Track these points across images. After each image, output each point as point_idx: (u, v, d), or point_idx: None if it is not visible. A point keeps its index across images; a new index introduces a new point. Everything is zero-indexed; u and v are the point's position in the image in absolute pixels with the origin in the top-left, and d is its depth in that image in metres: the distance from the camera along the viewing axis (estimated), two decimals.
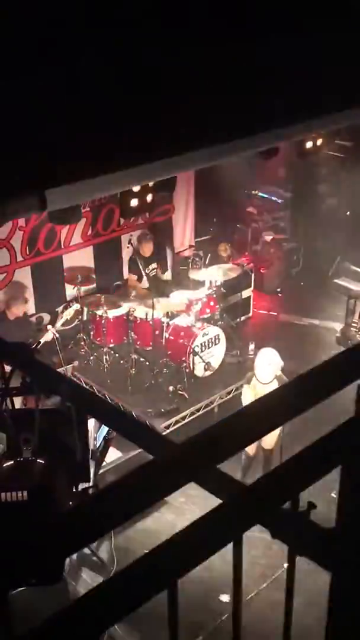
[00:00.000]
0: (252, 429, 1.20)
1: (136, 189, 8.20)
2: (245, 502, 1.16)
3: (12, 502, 2.54)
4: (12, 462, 2.72)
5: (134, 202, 8.82)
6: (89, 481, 2.95)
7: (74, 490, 2.90)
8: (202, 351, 9.13)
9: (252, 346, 9.53)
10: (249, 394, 7.24)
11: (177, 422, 8.72)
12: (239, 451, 1.23)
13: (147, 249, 10.03)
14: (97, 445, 7.12)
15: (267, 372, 7.05)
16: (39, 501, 2.59)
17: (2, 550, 1.00)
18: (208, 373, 9.29)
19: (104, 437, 6.98)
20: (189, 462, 1.13)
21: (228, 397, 9.15)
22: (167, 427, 8.61)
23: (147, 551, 1.03)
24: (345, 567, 1.37)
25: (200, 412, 9.00)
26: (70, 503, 2.78)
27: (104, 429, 7.08)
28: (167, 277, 10.07)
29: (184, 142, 3.70)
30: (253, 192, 12.27)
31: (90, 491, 2.98)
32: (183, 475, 1.11)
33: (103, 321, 9.20)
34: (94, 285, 10.20)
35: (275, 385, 7.11)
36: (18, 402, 3.14)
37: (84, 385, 9.23)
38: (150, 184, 7.87)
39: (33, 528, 2.42)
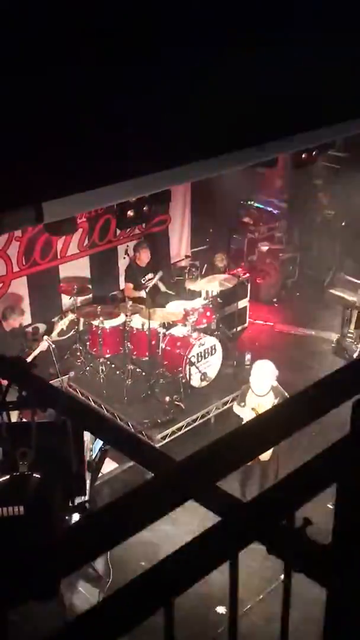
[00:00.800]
0: (252, 446, 1.21)
1: (133, 199, 8.27)
2: (243, 519, 1.15)
3: (8, 516, 2.55)
4: (7, 476, 2.71)
5: (131, 213, 8.81)
6: (85, 494, 2.94)
7: (70, 504, 2.90)
8: (198, 361, 9.11)
9: (248, 356, 9.53)
10: (246, 410, 7.24)
11: (173, 432, 8.67)
12: (237, 468, 1.22)
13: (144, 259, 10.01)
14: (93, 456, 7.06)
15: (263, 384, 7.07)
16: (36, 516, 2.60)
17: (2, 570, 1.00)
18: (204, 383, 9.26)
19: (100, 449, 6.96)
20: (187, 479, 1.13)
21: (224, 407, 9.11)
22: (164, 438, 8.55)
23: (143, 563, 1.03)
24: (341, 584, 1.37)
25: (197, 423, 8.95)
26: (66, 517, 2.78)
27: (100, 440, 7.00)
28: (164, 289, 10.07)
29: (183, 154, 3.71)
30: (249, 202, 12.29)
31: (87, 505, 2.95)
32: (181, 493, 1.12)
33: (99, 331, 9.18)
34: (90, 295, 10.18)
35: (271, 396, 7.05)
36: (14, 416, 3.15)
37: (80, 395, 9.18)
38: (147, 195, 7.84)
39: (31, 546, 2.37)
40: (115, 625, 1.03)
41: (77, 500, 2.92)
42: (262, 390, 7.06)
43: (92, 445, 7.11)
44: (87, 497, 3.29)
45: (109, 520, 1.11)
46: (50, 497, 2.68)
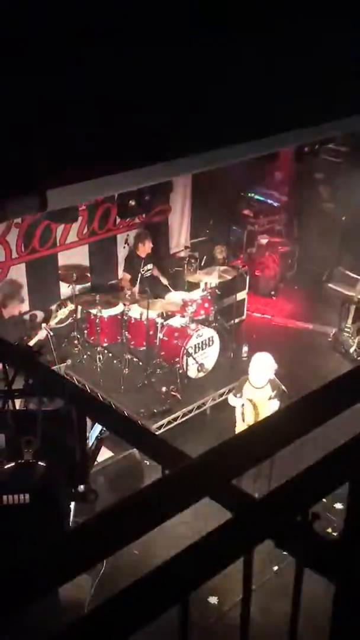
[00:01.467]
0: (269, 444, 1.21)
1: (134, 189, 8.29)
2: (258, 517, 1.15)
3: (14, 504, 2.52)
4: (13, 463, 2.70)
5: (132, 202, 9.10)
6: (87, 483, 2.92)
7: (73, 491, 2.89)
8: (195, 352, 9.10)
9: (245, 348, 9.50)
10: (240, 401, 7.26)
11: (169, 422, 8.66)
12: (252, 467, 1.23)
13: (144, 249, 9.89)
14: (90, 444, 6.80)
15: (260, 376, 7.08)
16: (42, 504, 2.59)
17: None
18: (201, 374, 9.25)
19: (97, 437, 6.79)
20: (204, 476, 1.12)
21: (221, 399, 9.08)
22: (159, 428, 8.54)
23: (136, 552, 1.01)
24: (349, 579, 1.38)
25: (193, 414, 8.94)
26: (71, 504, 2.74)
27: (97, 428, 6.87)
28: (165, 283, 9.97)
29: (188, 144, 3.69)
30: (249, 194, 12.19)
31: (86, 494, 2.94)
32: (197, 490, 1.11)
33: (97, 320, 9.10)
34: (89, 284, 10.12)
35: (268, 389, 7.06)
36: (18, 403, 3.09)
37: (77, 383, 9.14)
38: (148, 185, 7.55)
39: (36, 537, 2.36)
40: (127, 621, 1.03)
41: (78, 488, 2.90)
42: (260, 382, 7.08)
43: (89, 433, 6.86)
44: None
45: (124, 517, 1.11)
46: (55, 485, 2.65)
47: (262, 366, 7.00)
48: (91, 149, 3.26)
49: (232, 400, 7.29)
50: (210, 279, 9.53)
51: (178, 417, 8.75)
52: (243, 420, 7.13)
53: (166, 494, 1.09)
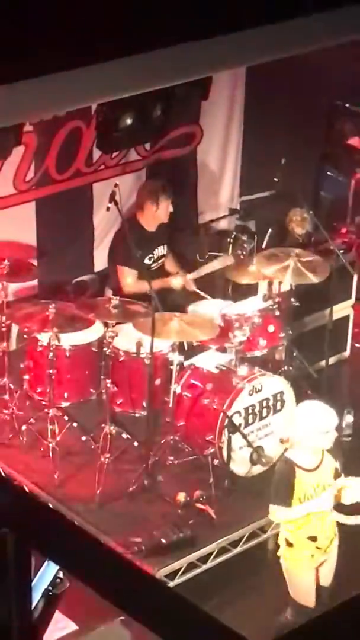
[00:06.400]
0: None
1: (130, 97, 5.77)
2: None
3: None
4: None
5: (127, 121, 6.69)
6: None
7: None
8: (248, 424, 6.60)
9: (349, 417, 6.89)
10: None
11: (191, 566, 6.28)
12: None
13: (154, 215, 7.06)
14: (34, 604, 4.70)
15: (313, 450, 5.56)
16: None
17: None
18: (259, 469, 6.56)
19: (46, 590, 4.16)
20: None
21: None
22: (172, 577, 6.26)
23: None
24: None
25: (240, 549, 6.33)
26: None
27: (47, 574, 3.99)
28: (191, 283, 7.34)
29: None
30: (353, 107, 9.06)
31: None
32: None
33: (51, 354, 6.54)
34: (35, 281, 7.37)
35: (327, 471, 5.61)
36: None
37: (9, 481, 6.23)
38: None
39: None
40: None
41: None
42: (312, 459, 5.65)
43: (33, 582, 4.75)
44: None
45: None
46: None
47: (318, 427, 5.57)
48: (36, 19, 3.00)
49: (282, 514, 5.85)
50: (279, 275, 6.86)
51: (211, 555, 6.31)
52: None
53: None
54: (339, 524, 5.65)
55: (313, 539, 5.50)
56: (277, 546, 5.99)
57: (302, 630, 1.55)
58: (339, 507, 5.26)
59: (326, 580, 5.86)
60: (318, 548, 5.47)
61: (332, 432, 5.50)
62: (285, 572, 5.59)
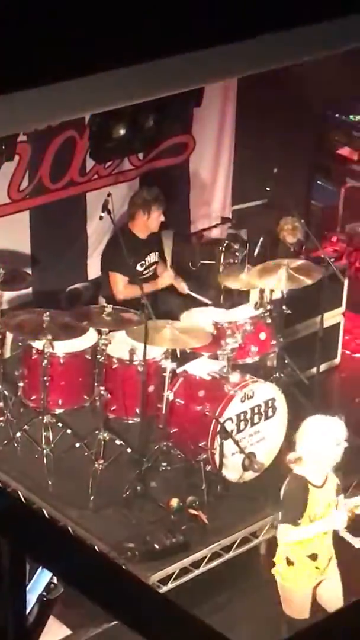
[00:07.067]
0: None
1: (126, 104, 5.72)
2: None
3: None
4: None
5: (120, 131, 6.87)
6: None
7: None
8: (239, 431, 6.65)
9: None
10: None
11: (184, 571, 6.36)
12: None
13: (146, 224, 7.16)
14: (29, 609, 4.97)
15: (323, 465, 5.54)
16: None
17: None
18: (250, 475, 6.63)
19: (41, 595, 4.72)
20: None
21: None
22: (165, 582, 6.32)
23: None
24: None
25: (232, 554, 6.40)
26: None
27: (41, 580, 4.58)
28: (186, 289, 7.47)
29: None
30: (346, 117, 9.25)
31: None
32: None
33: (45, 362, 6.63)
34: (29, 290, 7.46)
35: (332, 488, 5.60)
36: None
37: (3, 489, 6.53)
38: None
39: None
40: None
41: None
42: (319, 475, 5.65)
43: (28, 588, 4.78)
44: None
45: None
46: None
47: (325, 442, 5.60)
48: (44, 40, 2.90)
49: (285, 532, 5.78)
50: (271, 283, 6.97)
51: (203, 560, 6.40)
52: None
53: None
54: (335, 545, 5.56)
55: (313, 557, 5.47)
56: (272, 560, 5.85)
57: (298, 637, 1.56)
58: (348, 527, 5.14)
59: (332, 604, 5.71)
60: (317, 568, 5.45)
61: (342, 444, 5.47)
62: (280, 589, 5.53)
